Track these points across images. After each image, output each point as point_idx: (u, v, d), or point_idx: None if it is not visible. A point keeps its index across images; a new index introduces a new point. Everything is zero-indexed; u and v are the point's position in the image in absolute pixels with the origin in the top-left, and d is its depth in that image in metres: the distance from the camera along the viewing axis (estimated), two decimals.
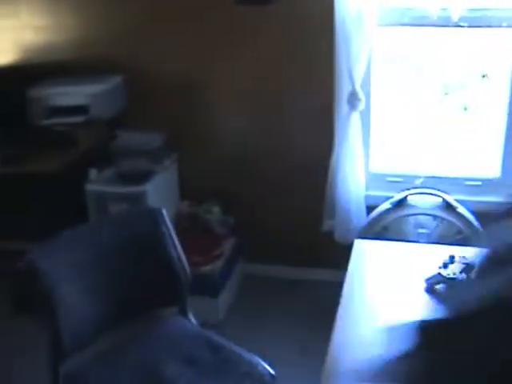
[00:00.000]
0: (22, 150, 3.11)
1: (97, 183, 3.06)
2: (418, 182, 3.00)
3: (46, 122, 3.14)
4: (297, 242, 3.32)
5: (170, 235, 2.09)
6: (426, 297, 1.83)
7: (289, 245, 3.34)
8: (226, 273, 3.10)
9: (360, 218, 3.00)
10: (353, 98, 2.86)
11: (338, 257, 3.13)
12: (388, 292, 1.91)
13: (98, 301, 2.00)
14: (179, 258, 2.09)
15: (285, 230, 3.33)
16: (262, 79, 3.12)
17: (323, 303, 3.13)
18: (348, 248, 3.02)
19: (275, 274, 3.37)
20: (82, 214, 3.05)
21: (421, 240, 2.85)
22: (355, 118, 2.89)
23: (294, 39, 3.00)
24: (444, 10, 2.76)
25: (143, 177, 3.02)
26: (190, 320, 2.17)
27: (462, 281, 1.80)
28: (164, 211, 2.11)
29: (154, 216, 2.10)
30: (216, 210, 3.20)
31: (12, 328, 3.08)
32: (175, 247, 2.09)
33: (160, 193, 3.09)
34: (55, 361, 1.91)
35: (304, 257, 3.34)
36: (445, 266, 1.88)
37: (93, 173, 3.08)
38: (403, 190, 2.88)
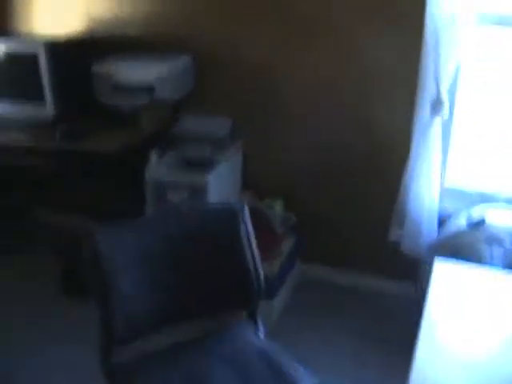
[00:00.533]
0: (83, 126, 3.19)
1: (157, 168, 3.09)
2: (497, 200, 2.99)
3: (109, 99, 3.17)
4: (359, 247, 3.34)
5: (248, 236, 2.10)
6: None
7: (350, 249, 3.37)
8: (283, 274, 3.12)
9: (431, 231, 3.00)
10: (436, 103, 2.83)
11: (403, 268, 3.19)
12: (473, 327, 1.83)
13: (159, 295, 2.02)
14: (255, 261, 2.09)
15: (348, 234, 3.35)
16: (341, 75, 3.10)
17: (380, 314, 3.20)
18: (414, 261, 3.10)
19: (333, 278, 3.41)
20: (140, 199, 3.12)
21: (495, 261, 2.89)
22: (437, 125, 2.87)
23: (378, 33, 2.97)
24: None
25: (206, 165, 3.03)
26: (258, 327, 2.18)
27: None
28: (246, 209, 2.12)
29: (232, 213, 2.10)
30: (278, 205, 3.22)
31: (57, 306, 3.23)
32: (252, 249, 2.10)
33: (222, 183, 3.11)
34: (106, 350, 1.95)
35: (365, 263, 3.36)
36: None
37: (153, 157, 3.09)
38: (481, 207, 2.87)
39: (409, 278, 3.20)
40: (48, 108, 3.24)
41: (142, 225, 2.12)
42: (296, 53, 3.16)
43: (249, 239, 2.13)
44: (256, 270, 2.13)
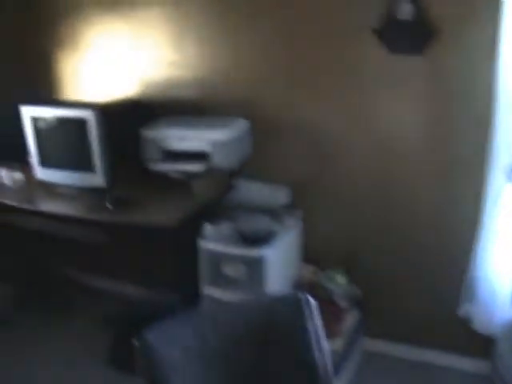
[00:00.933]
0: (134, 194, 3.20)
1: (211, 240, 3.05)
2: None
3: (160, 166, 3.19)
4: (428, 321, 3.24)
5: (316, 332, 2.01)
6: None
7: (418, 324, 3.27)
8: (346, 352, 3.03)
9: (506, 308, 2.90)
10: (510, 170, 2.78)
11: (474, 345, 3.10)
12: None
13: None
14: (323, 361, 2.00)
15: (415, 308, 3.25)
16: (403, 140, 3.07)
17: None
18: (487, 338, 3.02)
19: (400, 353, 3.32)
20: (194, 270, 3.12)
21: None
22: (511, 192, 2.80)
23: (445, 97, 2.94)
24: None
25: (263, 238, 2.99)
26: None
27: None
28: (313, 302, 2.05)
29: (298, 306, 2.03)
30: (340, 279, 3.15)
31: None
32: (320, 345, 2.00)
33: (281, 255, 3.06)
34: None
35: (435, 338, 3.25)
36: None
37: (208, 228, 3.07)
38: None
39: (482, 354, 3.10)
40: (98, 176, 3.23)
41: (199, 318, 2.07)
42: (356, 120, 3.14)
43: (317, 335, 2.04)
44: (325, 367, 2.03)
